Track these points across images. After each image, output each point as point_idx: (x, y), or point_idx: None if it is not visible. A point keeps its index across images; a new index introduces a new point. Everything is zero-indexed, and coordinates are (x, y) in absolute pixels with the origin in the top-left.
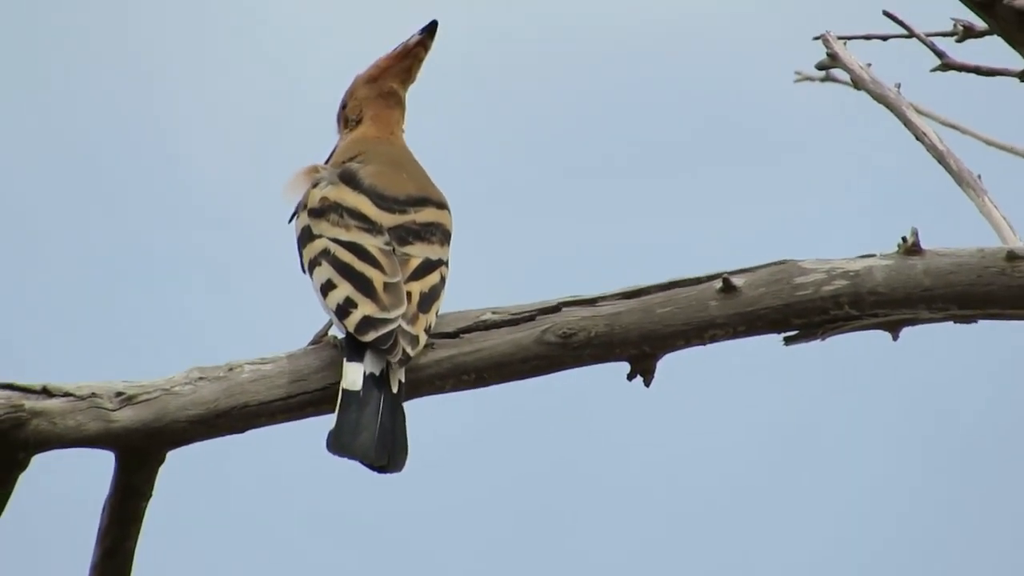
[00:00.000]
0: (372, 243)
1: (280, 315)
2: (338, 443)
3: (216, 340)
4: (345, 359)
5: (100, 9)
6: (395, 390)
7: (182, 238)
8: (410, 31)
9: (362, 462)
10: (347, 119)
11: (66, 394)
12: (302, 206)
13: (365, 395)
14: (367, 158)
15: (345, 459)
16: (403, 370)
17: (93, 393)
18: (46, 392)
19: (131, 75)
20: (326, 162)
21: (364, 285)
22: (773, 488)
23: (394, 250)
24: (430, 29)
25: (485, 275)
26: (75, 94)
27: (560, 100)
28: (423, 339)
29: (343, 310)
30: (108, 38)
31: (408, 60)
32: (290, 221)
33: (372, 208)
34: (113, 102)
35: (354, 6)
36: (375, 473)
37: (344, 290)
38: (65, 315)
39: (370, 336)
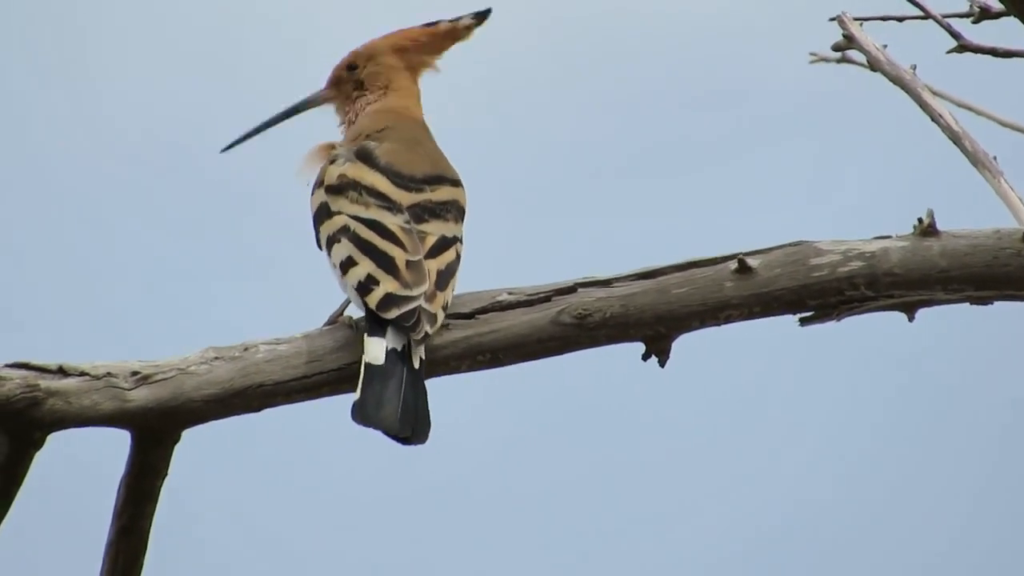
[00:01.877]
0: (393, 221)
1: (296, 295)
2: (363, 414)
3: (232, 320)
4: (367, 334)
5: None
6: (416, 366)
7: (197, 219)
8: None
9: (386, 433)
10: (361, 83)
11: (82, 373)
12: (318, 182)
13: (388, 369)
14: (387, 134)
15: (370, 429)
16: (423, 347)
17: (108, 372)
18: (62, 371)
19: (151, 67)
20: (345, 129)
21: (386, 262)
22: (784, 467)
23: (412, 228)
24: (482, 16)
25: (501, 256)
26: (103, 85)
27: (577, 90)
28: (440, 316)
29: (365, 287)
30: (132, 31)
31: (449, 41)
32: (295, 106)
33: (390, 186)
34: (133, 90)
35: None
36: (399, 444)
37: (365, 267)
38: (81, 295)
39: (393, 313)
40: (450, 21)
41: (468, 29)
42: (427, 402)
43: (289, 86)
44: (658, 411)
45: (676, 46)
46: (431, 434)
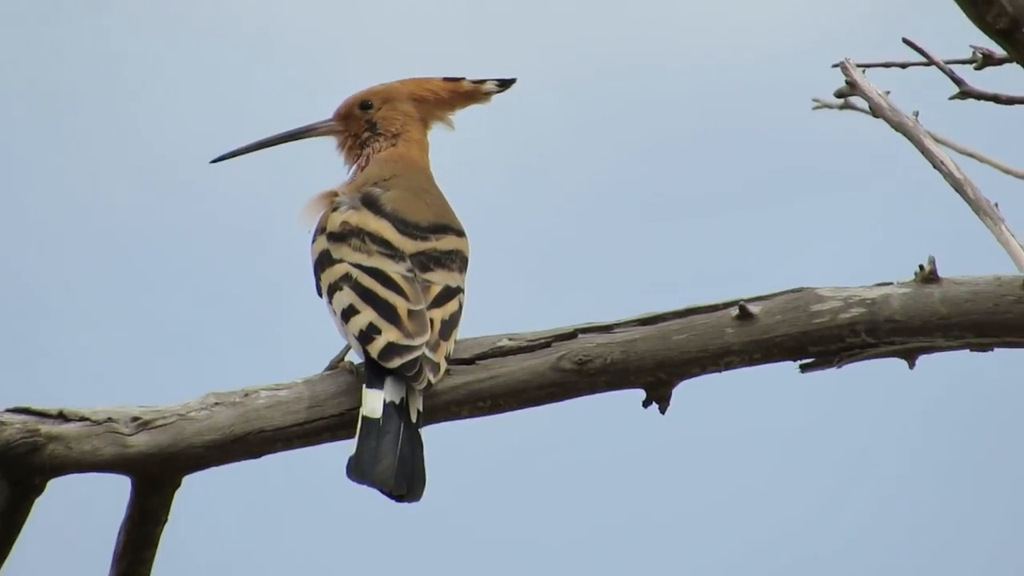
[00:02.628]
0: (395, 269)
1: (296, 341)
2: (359, 470)
3: (232, 366)
4: (365, 386)
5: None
6: (414, 419)
7: (197, 264)
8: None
9: (381, 490)
10: (373, 124)
11: (82, 419)
12: (320, 229)
13: (385, 423)
14: (394, 182)
15: (365, 486)
16: (422, 398)
17: (109, 418)
18: (62, 416)
19: (157, 92)
20: (353, 173)
21: (388, 311)
22: (787, 509)
23: (415, 276)
24: (507, 84)
25: (502, 301)
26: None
27: (578, 143)
28: (443, 366)
29: (366, 336)
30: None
31: (468, 101)
32: (292, 132)
33: (394, 234)
34: (125, 120)
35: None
36: (393, 501)
37: (367, 316)
38: (81, 340)
39: (395, 363)
40: (473, 82)
41: (488, 95)
42: (423, 458)
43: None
44: (658, 455)
45: (679, 97)
46: (425, 491)
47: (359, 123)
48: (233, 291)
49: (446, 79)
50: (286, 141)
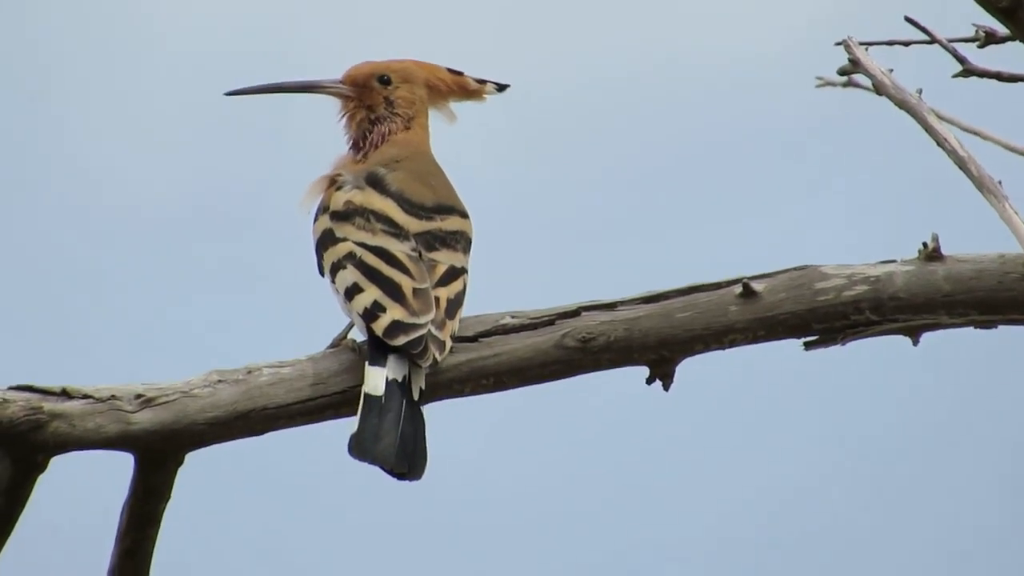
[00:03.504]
0: (399, 248)
1: (298, 318)
2: (360, 448)
3: (234, 343)
4: (367, 363)
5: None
6: (416, 396)
7: (200, 241)
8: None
9: (383, 468)
10: (391, 101)
11: (85, 396)
12: (322, 208)
13: (387, 401)
14: (400, 164)
15: (366, 464)
16: (424, 376)
17: (112, 395)
18: (65, 394)
19: (174, 82)
20: (358, 148)
21: (392, 290)
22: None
23: (420, 256)
24: (502, 88)
25: (505, 279)
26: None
27: (580, 109)
28: (448, 345)
29: (371, 314)
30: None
31: (465, 96)
32: (300, 85)
33: (400, 213)
34: (130, 104)
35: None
36: (394, 479)
37: (372, 294)
38: (83, 317)
39: (400, 340)
40: (477, 80)
41: (483, 94)
42: (425, 435)
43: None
44: (663, 432)
45: (684, 71)
46: (427, 469)
47: (376, 96)
48: (235, 267)
49: (451, 71)
50: (296, 91)
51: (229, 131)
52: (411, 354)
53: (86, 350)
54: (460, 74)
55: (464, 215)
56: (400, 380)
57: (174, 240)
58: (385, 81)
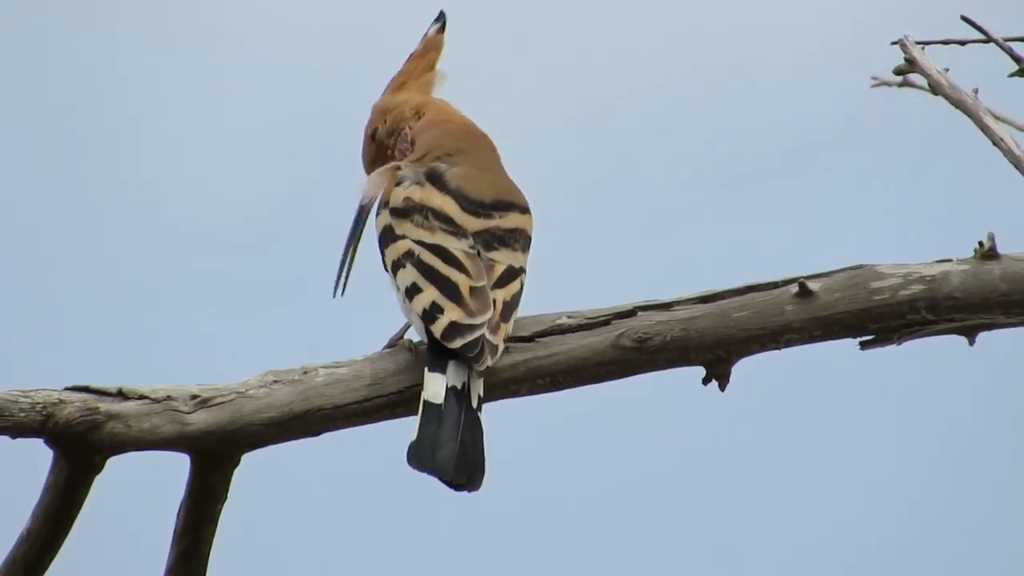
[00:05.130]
0: (456, 246)
1: (354, 319)
2: (419, 457)
3: (289, 345)
4: (427, 369)
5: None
6: (475, 404)
7: (257, 240)
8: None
9: (441, 479)
10: (389, 131)
11: (141, 397)
12: (383, 203)
13: (447, 409)
14: (459, 158)
15: (425, 474)
16: (482, 383)
17: (168, 396)
18: (121, 395)
19: (180, 100)
20: (409, 158)
21: (450, 289)
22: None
23: (479, 254)
24: (438, 20)
25: (562, 278)
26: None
27: (641, 108)
28: (501, 348)
29: (430, 315)
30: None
31: (433, 52)
32: (358, 217)
33: (457, 210)
34: (168, 116)
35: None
36: (452, 490)
37: (430, 294)
38: (141, 321)
39: (457, 343)
40: (421, 42)
41: (437, 35)
42: (483, 445)
43: (312, 108)
44: (719, 434)
45: (740, 71)
46: (484, 480)
47: (384, 141)
48: (290, 267)
49: (407, 59)
50: (359, 229)
51: (300, 151)
52: (467, 357)
53: (148, 358)
54: (412, 54)
55: (524, 210)
56: (459, 387)
57: (231, 241)
58: (375, 131)
